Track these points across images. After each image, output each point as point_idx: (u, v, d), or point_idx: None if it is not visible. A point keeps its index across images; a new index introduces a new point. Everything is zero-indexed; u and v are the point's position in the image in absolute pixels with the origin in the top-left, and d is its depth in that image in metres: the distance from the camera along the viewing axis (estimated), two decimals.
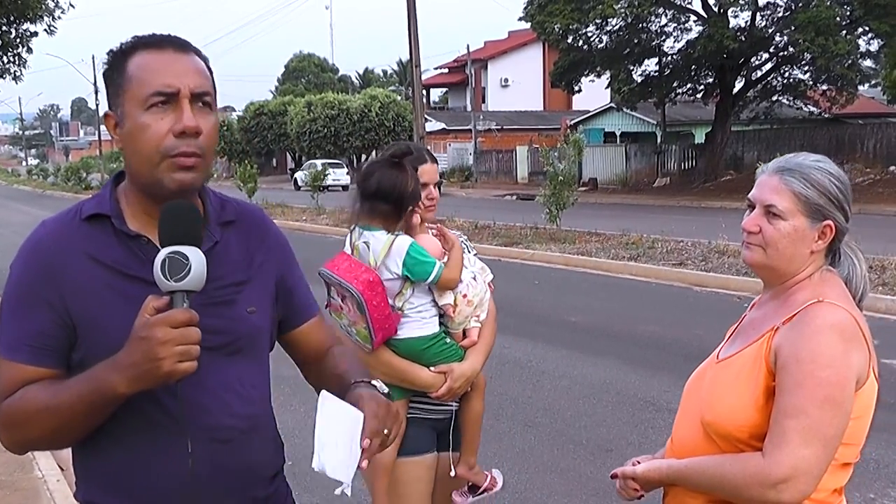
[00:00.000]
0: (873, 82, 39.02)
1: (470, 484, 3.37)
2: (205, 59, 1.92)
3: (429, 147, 30.90)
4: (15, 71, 20.93)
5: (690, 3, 32.66)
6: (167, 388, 1.75)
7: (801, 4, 29.18)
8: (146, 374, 1.66)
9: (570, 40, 33.38)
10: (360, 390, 1.94)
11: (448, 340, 3.24)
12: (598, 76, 35.15)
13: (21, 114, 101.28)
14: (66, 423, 1.77)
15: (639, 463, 2.31)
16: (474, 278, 3.28)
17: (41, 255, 1.85)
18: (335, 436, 1.78)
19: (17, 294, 1.84)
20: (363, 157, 52.44)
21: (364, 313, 2.99)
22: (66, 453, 6.32)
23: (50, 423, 1.78)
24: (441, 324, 3.25)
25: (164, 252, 1.69)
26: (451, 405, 3.31)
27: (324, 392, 1.88)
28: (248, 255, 1.99)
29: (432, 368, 3.17)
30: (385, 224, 3.11)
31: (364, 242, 3.11)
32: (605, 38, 33.22)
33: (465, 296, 3.21)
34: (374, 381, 2.00)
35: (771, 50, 32.23)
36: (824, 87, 32.95)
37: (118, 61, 1.86)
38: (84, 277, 1.82)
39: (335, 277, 3.05)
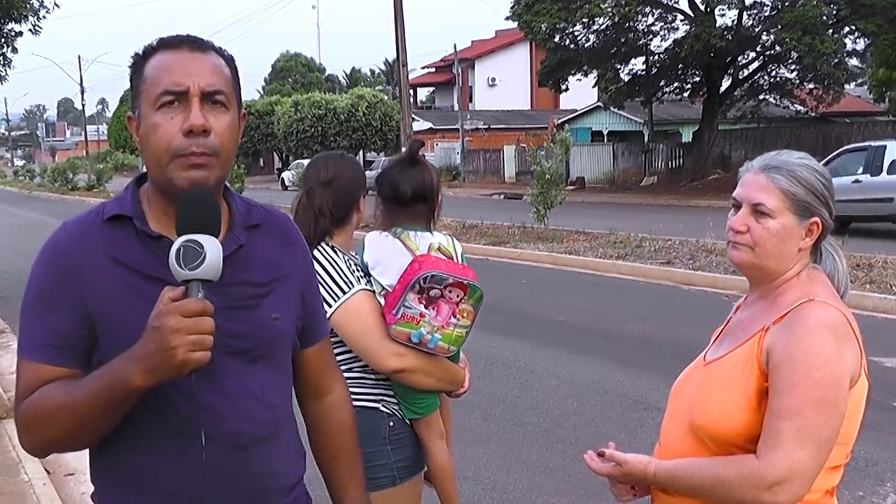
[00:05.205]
0: (860, 81, 39.30)
1: None
2: (228, 58, 1.89)
3: None
4: (0, 71, 20.80)
5: (677, 3, 32.75)
6: (183, 392, 1.73)
7: (787, 3, 29.28)
8: (160, 364, 1.63)
9: (557, 39, 33.45)
10: None
11: None
12: (586, 75, 35.24)
13: (7, 114, 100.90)
14: (85, 421, 1.74)
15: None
16: None
17: (61, 256, 1.83)
18: None
19: (37, 295, 1.83)
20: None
21: (477, 310, 2.91)
22: (53, 457, 6.26)
23: (68, 421, 1.75)
24: None
25: (179, 241, 1.66)
26: None
27: None
28: (273, 261, 1.97)
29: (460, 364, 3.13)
30: (426, 224, 3.06)
31: (439, 242, 3.03)
32: (592, 37, 33.32)
33: None
34: None
35: (758, 49, 32.34)
36: (811, 86, 33.09)
37: (139, 64, 1.84)
38: (104, 278, 1.80)
39: (453, 276, 2.85)
